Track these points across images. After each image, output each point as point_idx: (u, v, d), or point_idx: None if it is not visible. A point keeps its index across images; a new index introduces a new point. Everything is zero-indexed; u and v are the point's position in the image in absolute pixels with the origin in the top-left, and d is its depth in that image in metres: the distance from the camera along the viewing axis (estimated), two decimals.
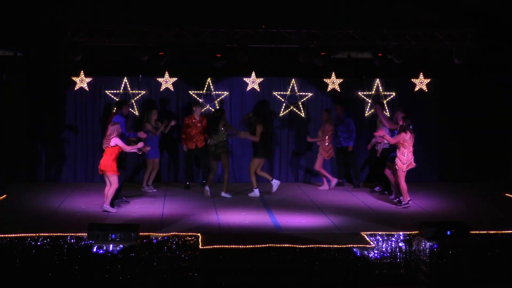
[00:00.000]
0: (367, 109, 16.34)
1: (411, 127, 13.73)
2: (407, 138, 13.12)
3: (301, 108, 16.28)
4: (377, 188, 15.12)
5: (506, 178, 15.89)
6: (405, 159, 13.16)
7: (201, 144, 15.18)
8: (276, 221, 12.24)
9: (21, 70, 15.62)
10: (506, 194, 14.81)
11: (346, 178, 16.05)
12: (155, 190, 14.96)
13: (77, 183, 15.63)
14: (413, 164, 13.28)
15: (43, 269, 10.43)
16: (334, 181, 15.37)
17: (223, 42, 14.47)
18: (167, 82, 15.95)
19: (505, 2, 14.67)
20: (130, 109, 15.10)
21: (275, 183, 14.71)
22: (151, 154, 14.85)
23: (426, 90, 16.25)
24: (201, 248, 10.48)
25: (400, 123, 13.27)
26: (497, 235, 11.17)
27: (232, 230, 11.58)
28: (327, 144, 15.12)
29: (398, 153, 13.20)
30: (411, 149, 13.22)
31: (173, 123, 15.11)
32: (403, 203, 13.39)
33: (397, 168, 13.23)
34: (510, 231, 11.26)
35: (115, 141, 12.53)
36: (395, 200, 13.77)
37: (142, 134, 13.68)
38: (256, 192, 14.51)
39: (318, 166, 15.33)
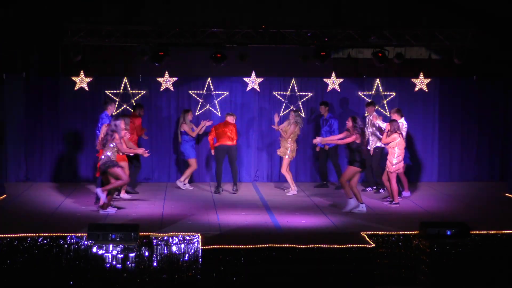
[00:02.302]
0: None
1: (406, 127, 13.84)
2: (398, 141, 13.19)
3: (301, 108, 16.25)
4: (369, 189, 15.09)
5: (506, 178, 15.87)
6: (395, 160, 13.23)
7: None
8: (276, 221, 12.23)
9: (21, 70, 15.62)
10: (506, 194, 14.80)
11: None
12: (192, 188, 15.22)
13: (77, 183, 15.62)
14: (401, 170, 13.48)
15: (43, 269, 10.42)
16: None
17: (223, 42, 14.46)
18: (167, 82, 15.94)
19: (505, 2, 14.67)
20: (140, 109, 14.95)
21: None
22: (192, 154, 14.95)
23: (426, 90, 16.24)
24: (201, 248, 10.48)
25: (388, 127, 13.31)
26: (497, 235, 11.17)
27: (232, 230, 11.57)
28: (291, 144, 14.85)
29: (389, 156, 13.30)
30: (402, 151, 13.28)
31: (208, 123, 15.04)
32: (393, 202, 13.46)
33: (388, 170, 13.33)
34: (510, 231, 11.26)
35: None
36: (388, 199, 13.81)
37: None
38: (362, 208, 12.90)
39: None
